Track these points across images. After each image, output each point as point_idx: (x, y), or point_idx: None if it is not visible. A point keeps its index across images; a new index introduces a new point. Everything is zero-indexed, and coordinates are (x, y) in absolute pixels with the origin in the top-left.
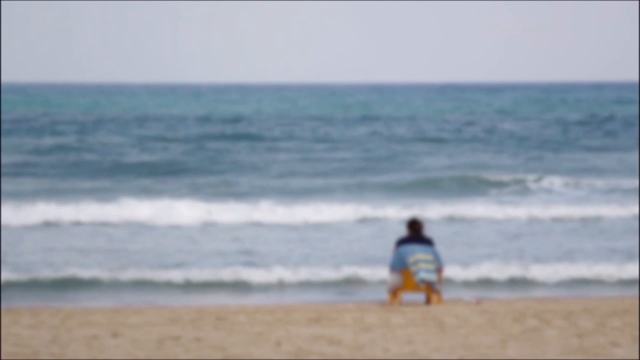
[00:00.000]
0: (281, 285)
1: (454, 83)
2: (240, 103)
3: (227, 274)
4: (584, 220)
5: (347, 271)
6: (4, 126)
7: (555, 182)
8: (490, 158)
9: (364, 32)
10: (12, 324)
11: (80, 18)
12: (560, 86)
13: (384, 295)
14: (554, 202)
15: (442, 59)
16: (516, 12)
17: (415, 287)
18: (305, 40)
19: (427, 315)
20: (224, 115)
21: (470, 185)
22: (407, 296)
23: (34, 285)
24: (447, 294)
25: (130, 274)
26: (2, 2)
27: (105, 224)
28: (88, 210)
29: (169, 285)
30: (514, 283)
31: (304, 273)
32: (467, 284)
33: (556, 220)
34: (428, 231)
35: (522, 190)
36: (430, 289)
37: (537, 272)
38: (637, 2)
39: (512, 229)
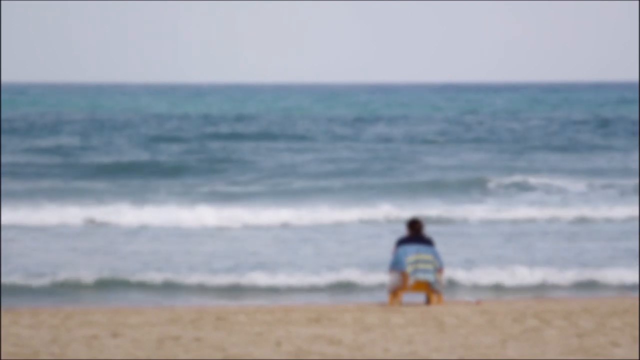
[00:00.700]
0: (288, 290)
1: (454, 83)
2: (244, 102)
3: (235, 278)
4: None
5: (349, 274)
6: (4, 126)
7: (556, 182)
8: (494, 158)
9: (364, 32)
10: (12, 324)
11: (80, 18)
12: (560, 86)
13: (384, 295)
14: (552, 202)
15: (443, 59)
16: (516, 12)
17: (416, 287)
18: (305, 40)
19: (427, 315)
20: (228, 114)
21: (471, 186)
22: (407, 296)
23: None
24: (448, 295)
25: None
26: (2, 2)
27: (107, 226)
28: (89, 212)
29: (175, 288)
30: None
31: (308, 276)
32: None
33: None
34: (435, 234)
35: (520, 190)
36: (430, 289)
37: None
38: (637, 2)
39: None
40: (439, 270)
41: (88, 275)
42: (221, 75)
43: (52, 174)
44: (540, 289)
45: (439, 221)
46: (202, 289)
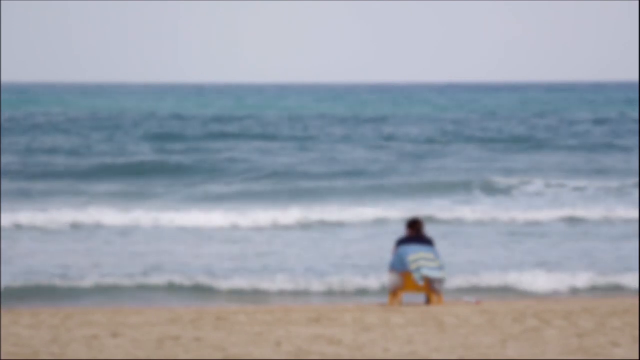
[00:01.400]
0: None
1: (454, 83)
2: (245, 102)
3: (244, 282)
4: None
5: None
6: (4, 126)
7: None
8: (498, 158)
9: (364, 32)
10: (12, 324)
11: (80, 18)
12: (560, 86)
13: (384, 295)
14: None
15: (443, 59)
16: (516, 12)
17: (416, 287)
18: (306, 40)
19: (427, 315)
20: (229, 114)
21: (473, 187)
22: (407, 296)
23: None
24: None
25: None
26: (2, 2)
27: (111, 228)
28: (90, 214)
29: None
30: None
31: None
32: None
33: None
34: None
35: (524, 191)
36: (431, 289)
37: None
38: (637, 1)
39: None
40: (441, 269)
41: (90, 278)
42: (221, 75)
43: (52, 174)
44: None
45: (446, 222)
46: (202, 291)
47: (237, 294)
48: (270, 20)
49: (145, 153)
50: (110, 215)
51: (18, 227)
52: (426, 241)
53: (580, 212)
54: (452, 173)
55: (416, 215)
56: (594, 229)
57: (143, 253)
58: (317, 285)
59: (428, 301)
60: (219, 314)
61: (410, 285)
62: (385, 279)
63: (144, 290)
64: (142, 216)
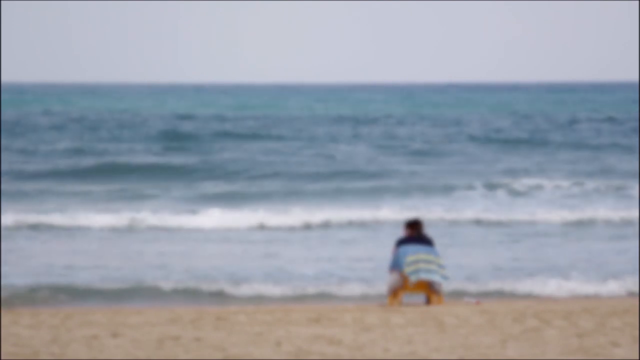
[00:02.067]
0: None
1: (453, 83)
2: (246, 102)
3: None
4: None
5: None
6: (4, 126)
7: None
8: (502, 159)
9: (365, 32)
10: (12, 324)
11: (80, 18)
12: (560, 86)
13: (384, 295)
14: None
15: (443, 59)
16: (516, 12)
17: (416, 287)
18: (306, 40)
19: (427, 315)
20: (230, 114)
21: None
22: (407, 296)
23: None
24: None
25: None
26: (1, 2)
27: (116, 230)
28: (95, 216)
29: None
30: None
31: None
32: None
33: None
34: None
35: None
36: (431, 289)
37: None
38: (638, 2)
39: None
40: (442, 269)
41: (103, 280)
42: (221, 75)
43: (53, 175)
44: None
45: (444, 222)
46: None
47: (239, 299)
48: (270, 21)
49: (145, 153)
50: (105, 216)
51: (19, 227)
52: (426, 241)
53: (584, 213)
54: (453, 173)
55: (416, 215)
56: (596, 229)
57: (143, 254)
58: (317, 289)
59: (428, 301)
60: (219, 314)
61: (410, 285)
62: (386, 278)
63: (146, 292)
64: (142, 217)
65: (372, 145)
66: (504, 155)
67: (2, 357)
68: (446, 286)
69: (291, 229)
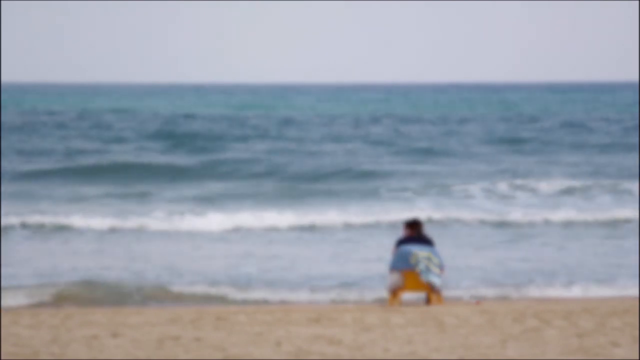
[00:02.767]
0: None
1: (452, 83)
2: (248, 101)
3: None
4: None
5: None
6: (4, 126)
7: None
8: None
9: (364, 32)
10: (12, 324)
11: (79, 18)
12: (560, 86)
13: (384, 295)
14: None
15: (443, 59)
16: (520, 12)
17: (416, 287)
18: (310, 40)
19: (427, 315)
20: (232, 113)
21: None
22: (407, 296)
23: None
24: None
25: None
26: (1, 2)
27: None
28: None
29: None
30: None
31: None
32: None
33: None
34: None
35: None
36: (431, 289)
37: None
38: (637, 1)
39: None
40: (441, 270)
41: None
42: (219, 75)
43: (56, 175)
44: None
45: (442, 223)
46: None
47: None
48: (270, 21)
49: (148, 152)
50: (97, 219)
51: (24, 227)
52: (426, 241)
53: (585, 213)
54: (454, 174)
55: (415, 215)
56: (596, 229)
57: (147, 256)
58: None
59: (428, 301)
60: (219, 314)
61: (410, 285)
62: (386, 278)
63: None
64: (143, 220)
65: (375, 145)
66: (505, 155)
67: (2, 357)
68: (445, 288)
69: (290, 229)
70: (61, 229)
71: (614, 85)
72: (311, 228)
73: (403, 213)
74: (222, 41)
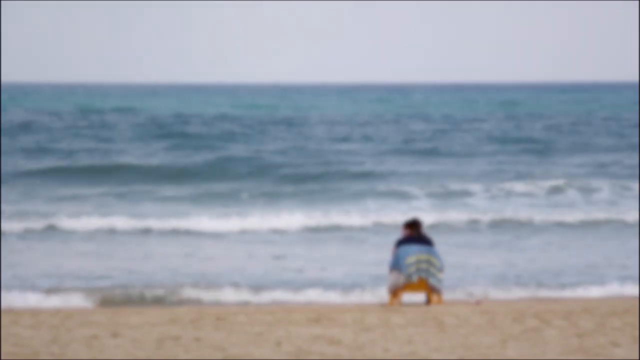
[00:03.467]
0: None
1: (451, 83)
2: (245, 102)
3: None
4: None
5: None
6: (4, 126)
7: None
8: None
9: (367, 32)
10: (12, 324)
11: (79, 19)
12: (562, 86)
13: (384, 295)
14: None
15: (446, 59)
16: (520, 12)
17: (416, 287)
18: (310, 40)
19: (427, 315)
20: (237, 113)
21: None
22: (407, 296)
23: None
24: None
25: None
26: (1, 2)
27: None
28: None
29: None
30: None
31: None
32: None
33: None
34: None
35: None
36: (431, 289)
37: None
38: (638, 1)
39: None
40: (441, 270)
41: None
42: (221, 76)
43: (60, 176)
44: None
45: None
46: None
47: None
48: (270, 21)
49: (148, 152)
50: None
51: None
52: (426, 241)
53: (584, 214)
54: (456, 174)
55: (415, 215)
56: (596, 230)
57: (155, 256)
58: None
59: (428, 301)
60: (219, 314)
61: (410, 285)
62: (386, 278)
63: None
64: (150, 221)
65: (376, 145)
66: (506, 155)
67: (2, 357)
68: (445, 288)
69: (290, 230)
70: (65, 229)
71: (614, 85)
72: (311, 228)
73: (404, 213)
74: (222, 41)
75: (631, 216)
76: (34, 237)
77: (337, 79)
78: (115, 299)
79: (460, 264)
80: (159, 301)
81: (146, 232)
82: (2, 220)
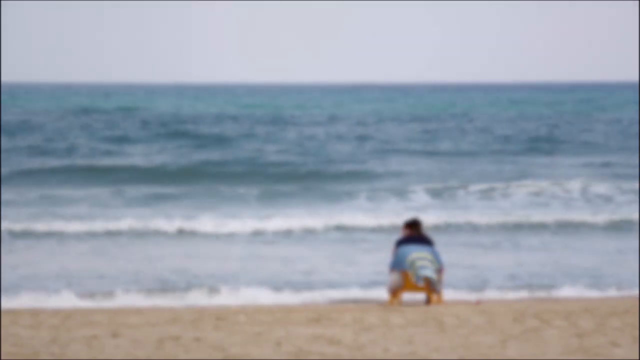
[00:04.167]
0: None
1: (451, 83)
2: (244, 101)
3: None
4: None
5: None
6: (4, 126)
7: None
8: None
9: (368, 32)
10: (12, 324)
11: (82, 18)
12: (562, 86)
13: (384, 295)
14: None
15: (445, 60)
16: (521, 12)
17: (416, 287)
18: (311, 40)
19: (427, 315)
20: (237, 113)
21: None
22: (407, 296)
23: None
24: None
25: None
26: (1, 2)
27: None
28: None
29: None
30: None
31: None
32: None
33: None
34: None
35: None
36: (431, 289)
37: None
38: (638, 1)
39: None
40: (439, 270)
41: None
42: (220, 76)
43: (66, 177)
44: None
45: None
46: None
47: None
48: (273, 21)
49: (153, 153)
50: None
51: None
52: (426, 241)
53: (585, 214)
54: (457, 174)
55: (415, 215)
56: (596, 230)
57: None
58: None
59: (428, 301)
60: (219, 314)
61: (410, 285)
62: (387, 278)
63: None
64: (152, 221)
65: (377, 145)
66: (508, 155)
67: (2, 357)
68: (446, 288)
69: (289, 231)
70: (66, 230)
71: (614, 85)
72: (311, 228)
73: (404, 213)
74: (223, 41)
75: (632, 216)
76: (34, 237)
77: (338, 80)
78: (116, 299)
79: (461, 264)
80: (159, 301)
81: (148, 232)
82: (1, 221)
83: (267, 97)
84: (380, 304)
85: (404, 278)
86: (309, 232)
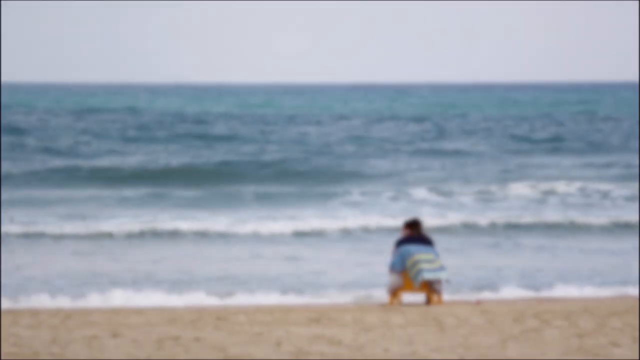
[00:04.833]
0: None
1: (446, 83)
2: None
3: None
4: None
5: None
6: (4, 126)
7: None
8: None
9: (369, 32)
10: (12, 324)
11: (82, 18)
12: (561, 86)
13: (384, 295)
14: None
15: (445, 59)
16: (520, 12)
17: (419, 287)
18: (312, 40)
19: (427, 315)
20: (239, 113)
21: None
22: (407, 296)
23: None
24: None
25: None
26: (1, 2)
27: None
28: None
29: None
30: None
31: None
32: None
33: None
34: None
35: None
36: (431, 289)
37: None
38: (638, 1)
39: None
40: (443, 267)
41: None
42: (220, 75)
43: (73, 178)
44: None
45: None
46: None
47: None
48: (274, 21)
49: (158, 153)
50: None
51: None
52: (426, 241)
53: (584, 215)
54: (458, 174)
55: (415, 215)
56: (596, 230)
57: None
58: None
59: (428, 301)
60: (219, 314)
61: (411, 285)
62: (387, 278)
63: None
64: (155, 222)
65: (378, 145)
66: (509, 155)
67: (2, 357)
68: (448, 285)
69: (289, 231)
70: (66, 230)
71: (614, 85)
72: (311, 228)
73: (404, 214)
74: (224, 42)
75: (632, 216)
76: (35, 237)
77: (338, 80)
78: (116, 299)
79: (461, 264)
80: (159, 301)
81: (151, 233)
82: (2, 221)
83: (267, 97)
84: (380, 304)
85: (404, 278)
86: (309, 233)
